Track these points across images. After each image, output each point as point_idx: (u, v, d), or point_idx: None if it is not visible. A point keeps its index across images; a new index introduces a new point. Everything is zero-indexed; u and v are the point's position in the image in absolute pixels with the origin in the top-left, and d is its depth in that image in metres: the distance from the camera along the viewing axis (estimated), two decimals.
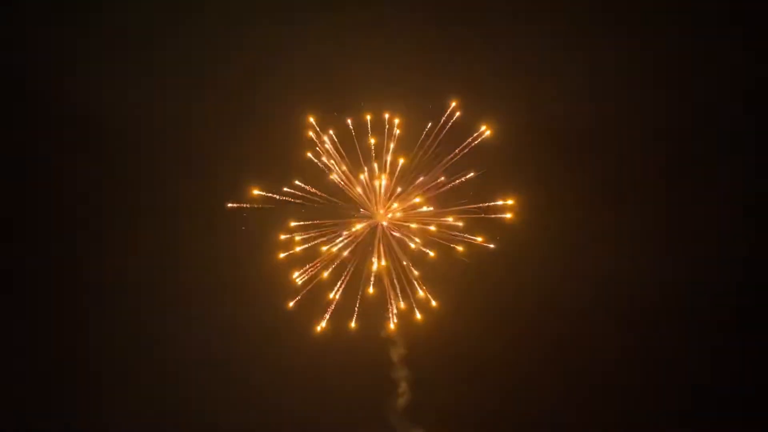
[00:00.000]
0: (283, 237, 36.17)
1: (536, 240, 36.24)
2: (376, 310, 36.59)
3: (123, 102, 36.74)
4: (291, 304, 36.84)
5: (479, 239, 35.48)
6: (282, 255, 36.38)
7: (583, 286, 36.79)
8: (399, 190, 35.56)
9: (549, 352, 37.61)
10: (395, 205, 35.93)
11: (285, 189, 36.17)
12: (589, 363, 37.39)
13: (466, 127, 35.30)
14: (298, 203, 36.29)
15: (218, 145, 37.34)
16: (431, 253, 35.63)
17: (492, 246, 35.58)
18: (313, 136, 36.12)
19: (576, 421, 37.45)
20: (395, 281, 36.17)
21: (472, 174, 35.20)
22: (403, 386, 38.28)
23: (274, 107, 36.66)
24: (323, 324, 36.59)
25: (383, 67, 35.92)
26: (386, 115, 35.38)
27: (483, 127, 35.11)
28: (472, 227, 35.56)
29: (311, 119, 35.99)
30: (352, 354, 36.68)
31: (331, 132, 35.86)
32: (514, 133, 35.67)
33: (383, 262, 35.99)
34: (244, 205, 36.78)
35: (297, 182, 36.09)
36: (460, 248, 35.63)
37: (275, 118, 36.78)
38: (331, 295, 36.38)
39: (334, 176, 36.02)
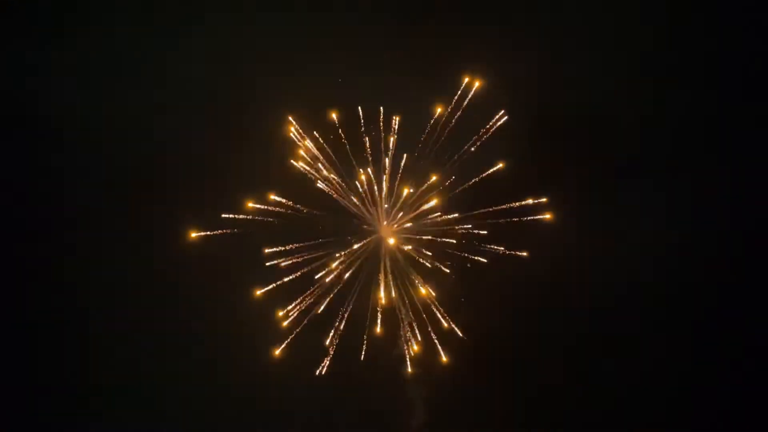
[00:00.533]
0: (268, 264, 28.77)
1: (574, 243, 29.63)
2: (387, 352, 29.22)
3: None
4: (277, 352, 29.08)
5: (501, 248, 28.75)
6: (260, 292, 28.86)
7: (636, 297, 30.25)
8: (406, 192, 28.74)
9: (591, 370, 30.59)
10: (401, 214, 29.07)
11: (258, 206, 28.95)
12: (640, 390, 30.63)
13: (479, 113, 29.07)
14: (279, 222, 29.18)
15: (174, 158, 29.98)
16: (447, 270, 28.72)
17: (525, 254, 28.86)
18: (294, 135, 29.30)
19: None
20: (410, 312, 28.88)
21: (500, 166, 28.64)
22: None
23: (244, 106, 29.80)
24: (323, 371, 28.85)
25: (373, 45, 29.65)
26: (381, 108, 28.94)
27: (501, 111, 28.94)
28: (498, 233, 28.93)
29: (290, 118, 29.29)
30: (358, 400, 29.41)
31: (315, 133, 29.14)
32: (536, 118, 29.50)
33: (392, 293, 28.72)
34: (211, 232, 29.34)
35: (273, 197, 28.97)
36: (484, 260, 28.79)
37: (245, 119, 29.88)
38: (328, 340, 28.81)
39: (321, 184, 29.06)
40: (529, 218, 28.70)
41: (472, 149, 28.73)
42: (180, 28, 30.62)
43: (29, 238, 30.99)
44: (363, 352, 28.73)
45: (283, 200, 28.89)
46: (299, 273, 28.71)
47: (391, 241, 28.94)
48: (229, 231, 28.96)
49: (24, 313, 30.81)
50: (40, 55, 30.62)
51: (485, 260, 28.66)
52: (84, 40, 30.65)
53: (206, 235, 29.14)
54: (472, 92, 28.63)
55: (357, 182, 28.78)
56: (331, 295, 28.81)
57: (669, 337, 30.93)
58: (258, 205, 28.88)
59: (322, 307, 28.77)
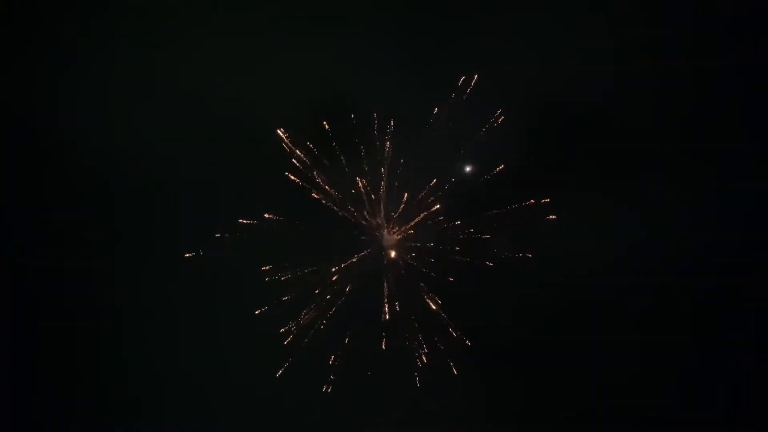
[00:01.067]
0: (266, 279, 27.67)
1: (579, 243, 28.77)
2: (394, 366, 28.24)
3: None
4: (279, 373, 28.02)
5: (506, 252, 27.95)
6: (258, 311, 27.80)
7: (646, 292, 29.57)
8: (405, 198, 27.69)
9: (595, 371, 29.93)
10: (401, 221, 28.09)
11: (252, 222, 27.81)
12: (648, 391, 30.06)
13: (478, 113, 28.07)
14: (275, 238, 28.06)
15: (163, 179, 28.70)
16: (451, 279, 27.89)
17: (530, 256, 28.07)
18: (286, 146, 28.13)
19: None
20: (416, 323, 27.96)
21: (500, 167, 27.76)
22: None
23: (233, 120, 28.60)
24: (329, 389, 27.86)
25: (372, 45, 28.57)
26: (375, 114, 27.92)
27: (499, 111, 28.04)
28: (502, 236, 28.04)
29: (282, 129, 28.16)
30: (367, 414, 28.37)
31: (309, 144, 27.98)
32: (536, 117, 28.57)
33: (396, 305, 27.77)
34: (205, 253, 28.13)
35: (268, 215, 27.87)
36: (490, 264, 27.97)
37: (237, 132, 28.61)
38: (333, 357, 27.82)
39: (316, 196, 27.97)
40: (531, 219, 28.00)
41: (473, 150, 28.02)
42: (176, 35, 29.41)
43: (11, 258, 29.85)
44: (370, 367, 27.88)
45: (278, 217, 27.87)
46: (299, 289, 27.80)
47: (392, 250, 28.08)
48: (223, 249, 27.91)
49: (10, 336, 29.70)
50: (38, 61, 29.32)
51: (491, 264, 27.91)
52: (77, 46, 29.36)
53: (200, 256, 28.07)
54: (468, 92, 27.83)
55: (354, 191, 27.86)
56: (333, 310, 27.94)
57: (672, 338, 30.49)
58: (252, 221, 27.86)
59: (323, 323, 27.86)
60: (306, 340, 27.72)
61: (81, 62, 29.33)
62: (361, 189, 27.73)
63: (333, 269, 27.93)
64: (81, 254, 29.61)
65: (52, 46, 29.32)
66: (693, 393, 30.75)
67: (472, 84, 27.53)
